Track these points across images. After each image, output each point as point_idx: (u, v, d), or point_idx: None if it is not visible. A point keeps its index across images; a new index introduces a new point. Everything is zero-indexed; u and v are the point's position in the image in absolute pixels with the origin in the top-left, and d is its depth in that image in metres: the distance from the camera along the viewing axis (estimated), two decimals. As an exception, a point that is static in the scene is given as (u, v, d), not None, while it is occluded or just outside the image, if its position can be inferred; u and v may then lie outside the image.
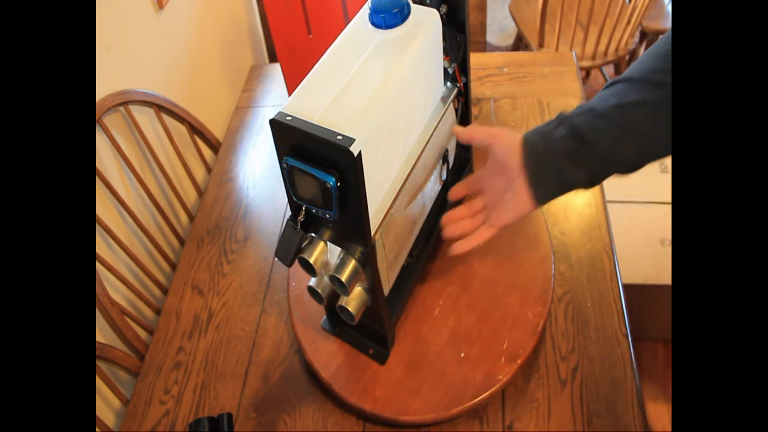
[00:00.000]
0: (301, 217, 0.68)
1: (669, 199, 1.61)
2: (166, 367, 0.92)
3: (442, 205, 0.94)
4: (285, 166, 0.62)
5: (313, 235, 0.71)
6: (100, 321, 0.98)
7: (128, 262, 1.11)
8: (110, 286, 1.02)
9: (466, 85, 0.85)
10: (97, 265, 0.98)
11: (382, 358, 0.84)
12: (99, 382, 0.94)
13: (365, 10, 0.70)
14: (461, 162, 0.99)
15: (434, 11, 0.72)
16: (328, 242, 0.71)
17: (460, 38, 0.80)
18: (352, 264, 0.69)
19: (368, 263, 0.69)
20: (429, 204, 0.89)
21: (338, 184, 0.60)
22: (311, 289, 0.76)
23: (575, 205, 1.03)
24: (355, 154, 0.57)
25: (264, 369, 0.89)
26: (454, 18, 0.77)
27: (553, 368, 0.84)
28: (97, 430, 0.90)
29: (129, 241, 1.12)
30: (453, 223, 0.77)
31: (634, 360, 0.84)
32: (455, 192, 0.80)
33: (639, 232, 1.57)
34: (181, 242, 1.25)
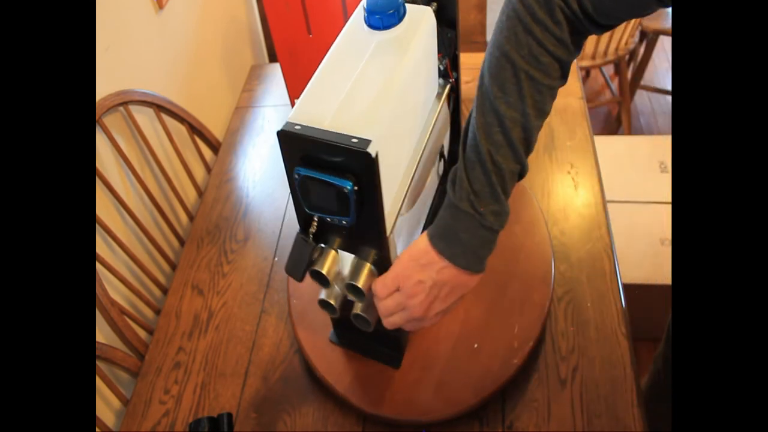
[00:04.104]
0: (313, 228, 0.66)
1: (669, 199, 1.61)
2: (166, 367, 0.92)
3: (439, 200, 0.94)
4: (297, 177, 0.60)
5: (322, 245, 0.69)
6: (100, 321, 0.98)
7: (128, 262, 1.11)
8: (110, 286, 1.02)
9: (457, 81, 0.86)
10: (97, 265, 0.98)
11: (396, 362, 0.83)
12: (99, 382, 0.94)
13: (360, 13, 0.70)
14: (453, 156, 0.99)
15: (428, 9, 0.72)
16: (338, 250, 0.70)
17: (451, 34, 0.80)
18: (367, 269, 0.68)
19: (384, 266, 0.68)
20: (429, 201, 0.89)
21: (355, 188, 0.58)
22: (323, 302, 0.73)
23: (575, 205, 1.03)
24: (373, 155, 0.56)
25: (264, 369, 0.89)
26: (445, 15, 0.77)
27: (553, 368, 0.84)
28: (97, 430, 0.90)
29: (129, 241, 1.12)
30: None
31: (634, 360, 0.84)
32: None
33: (639, 232, 1.57)
34: (181, 242, 1.25)
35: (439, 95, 0.83)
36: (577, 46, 0.64)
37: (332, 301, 0.72)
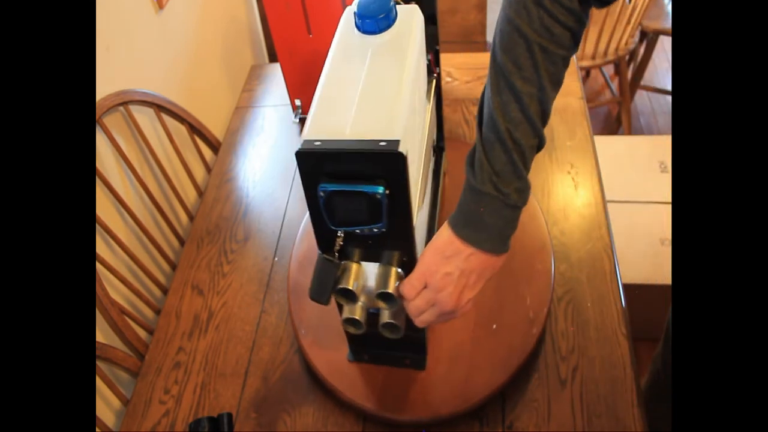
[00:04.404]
0: (337, 246, 0.64)
1: (669, 199, 1.61)
2: (166, 367, 0.92)
3: (434, 193, 0.95)
4: (322, 194, 0.58)
5: (342, 261, 0.67)
6: (100, 321, 0.98)
7: (128, 262, 1.11)
8: (110, 286, 1.02)
9: (439, 75, 0.86)
10: (97, 265, 0.98)
11: (420, 363, 0.83)
12: (99, 382, 0.94)
13: (348, 19, 0.70)
14: (439, 150, 1.00)
15: (416, 7, 0.72)
16: (360, 262, 0.68)
17: (431, 30, 0.80)
18: (394, 273, 0.67)
19: (410, 265, 0.67)
20: (428, 193, 0.90)
21: (386, 192, 0.57)
22: (349, 320, 0.69)
23: (575, 205, 1.03)
24: (405, 154, 0.55)
25: (264, 369, 0.89)
26: (424, 11, 0.77)
27: (553, 368, 0.84)
28: (97, 430, 0.90)
29: (129, 241, 1.12)
30: None
31: (634, 360, 0.84)
32: None
33: (639, 232, 1.57)
34: (181, 242, 1.25)
35: (428, 90, 0.84)
36: (586, 14, 0.63)
37: (358, 317, 0.69)
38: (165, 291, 1.16)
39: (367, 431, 0.81)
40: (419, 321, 0.68)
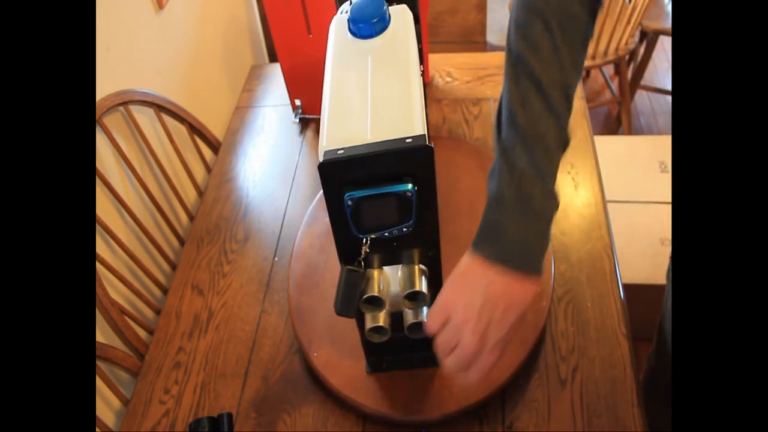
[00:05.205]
0: (363, 254, 0.63)
1: (669, 199, 1.61)
2: (166, 367, 0.92)
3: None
4: (350, 203, 0.57)
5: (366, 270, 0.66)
6: (100, 321, 0.98)
7: (128, 262, 1.11)
8: (110, 286, 1.02)
9: (423, 73, 0.87)
10: (97, 265, 0.98)
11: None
12: (99, 382, 0.94)
13: (340, 27, 0.69)
14: None
15: (404, 6, 0.71)
16: (382, 267, 0.67)
17: (416, 28, 0.80)
18: (418, 270, 0.66)
19: (433, 259, 0.66)
20: None
21: (415, 188, 0.57)
22: (375, 329, 0.67)
23: (575, 205, 1.03)
24: (432, 146, 0.55)
25: (264, 369, 0.89)
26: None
27: (553, 368, 0.84)
28: (97, 430, 0.90)
29: (129, 241, 1.12)
30: None
31: (634, 360, 0.84)
32: None
33: (639, 232, 1.57)
34: (181, 242, 1.25)
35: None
36: None
37: (383, 323, 0.67)
38: (165, 291, 1.16)
39: (367, 431, 0.81)
40: (444, 367, 0.58)
